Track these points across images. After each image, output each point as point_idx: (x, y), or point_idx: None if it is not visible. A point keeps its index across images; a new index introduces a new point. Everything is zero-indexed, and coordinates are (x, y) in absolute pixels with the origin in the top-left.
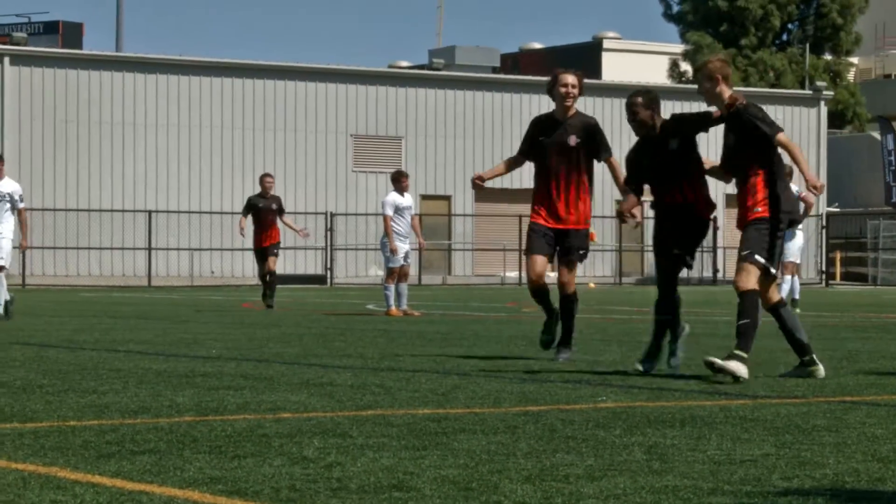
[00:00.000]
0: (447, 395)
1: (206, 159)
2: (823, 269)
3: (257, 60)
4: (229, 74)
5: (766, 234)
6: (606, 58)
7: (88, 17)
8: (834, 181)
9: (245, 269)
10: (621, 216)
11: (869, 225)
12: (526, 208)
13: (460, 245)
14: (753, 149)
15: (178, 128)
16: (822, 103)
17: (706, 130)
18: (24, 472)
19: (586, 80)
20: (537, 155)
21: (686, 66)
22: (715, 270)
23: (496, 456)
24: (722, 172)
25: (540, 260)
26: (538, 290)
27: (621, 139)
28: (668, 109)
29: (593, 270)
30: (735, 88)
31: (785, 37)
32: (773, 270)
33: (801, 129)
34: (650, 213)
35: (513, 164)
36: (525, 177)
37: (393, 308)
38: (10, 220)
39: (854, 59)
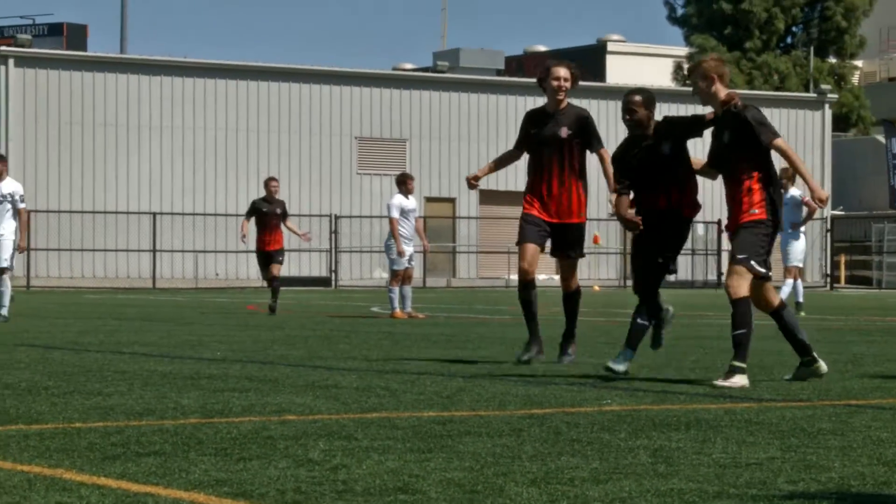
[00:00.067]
0: (452, 398)
1: (210, 161)
2: (828, 272)
3: (262, 62)
4: (234, 76)
5: (763, 237)
6: (611, 60)
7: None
8: (838, 184)
9: (250, 271)
10: (627, 224)
11: (873, 228)
12: None
13: (465, 247)
14: (751, 150)
15: (182, 130)
16: (827, 106)
17: (700, 135)
18: (29, 473)
19: (591, 83)
20: (530, 148)
21: None
22: (720, 274)
23: (501, 459)
24: (709, 170)
25: (531, 248)
26: (528, 284)
27: None
28: (673, 112)
29: (598, 273)
30: (739, 91)
31: (789, 40)
32: (769, 274)
33: (805, 133)
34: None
35: (509, 157)
36: None
37: (397, 310)
38: (11, 222)
39: (858, 63)
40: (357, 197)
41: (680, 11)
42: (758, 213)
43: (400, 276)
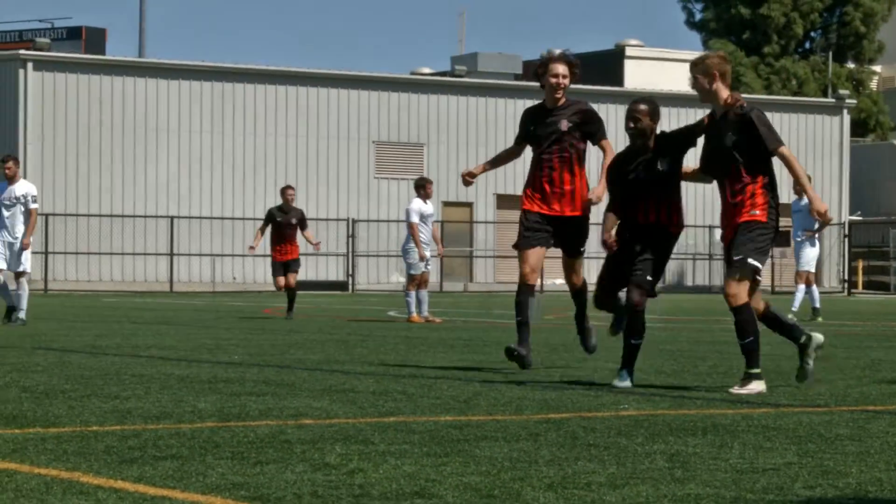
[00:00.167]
0: (469, 402)
1: (228, 165)
2: (846, 277)
3: (280, 66)
4: (252, 80)
5: (761, 237)
6: (629, 65)
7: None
8: (856, 190)
9: (267, 275)
10: (605, 244)
11: (891, 233)
12: None
13: (482, 252)
14: (755, 153)
15: (200, 133)
16: (845, 112)
17: (695, 144)
18: (46, 477)
19: (609, 88)
20: (531, 144)
21: None
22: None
23: (518, 463)
24: (702, 175)
25: (534, 253)
26: (528, 289)
27: None
28: (691, 117)
29: None
30: (757, 96)
31: (808, 45)
32: (759, 277)
33: (823, 138)
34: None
35: (508, 155)
36: None
37: (414, 315)
38: (28, 224)
39: (877, 68)
40: (374, 201)
41: (698, 16)
42: (759, 213)
43: (417, 281)
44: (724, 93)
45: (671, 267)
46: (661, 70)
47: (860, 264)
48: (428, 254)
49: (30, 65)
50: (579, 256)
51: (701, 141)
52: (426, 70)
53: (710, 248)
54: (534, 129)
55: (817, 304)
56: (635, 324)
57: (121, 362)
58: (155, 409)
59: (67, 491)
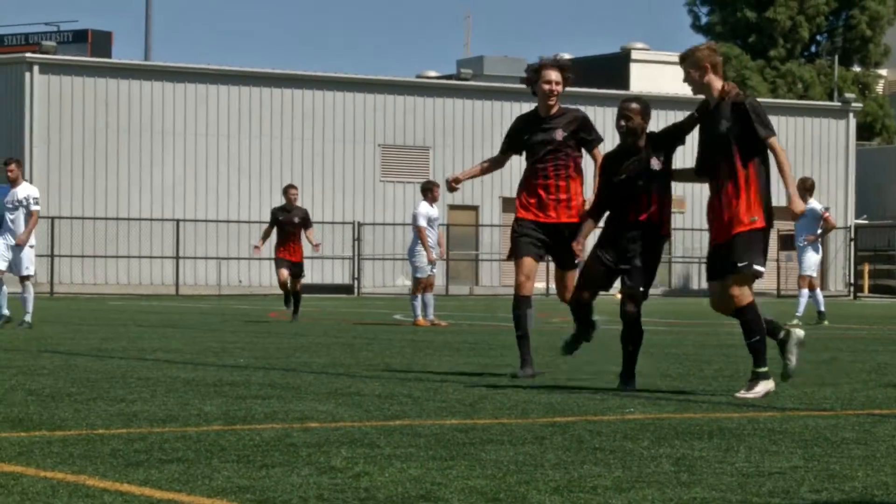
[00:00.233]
0: (475, 406)
1: (234, 168)
2: (852, 281)
3: (285, 70)
4: (257, 84)
5: (760, 242)
6: (635, 69)
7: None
8: (862, 193)
9: (273, 278)
10: (575, 248)
11: None
12: None
13: (487, 255)
14: (751, 140)
15: (206, 137)
16: (851, 115)
17: (683, 142)
18: (52, 480)
19: (614, 91)
20: (526, 153)
21: None
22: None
23: (524, 467)
24: (695, 175)
25: (529, 262)
26: (524, 300)
27: None
28: None
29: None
30: (762, 99)
31: (814, 48)
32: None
33: (829, 142)
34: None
35: (495, 163)
36: None
37: (420, 318)
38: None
39: (883, 71)
40: (380, 204)
41: (704, 20)
42: (757, 220)
43: (423, 284)
44: (718, 83)
45: (677, 270)
46: (666, 73)
47: (866, 268)
48: (435, 257)
49: (36, 68)
50: (573, 269)
51: (691, 142)
52: (432, 73)
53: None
54: (528, 137)
55: (822, 308)
56: (632, 333)
57: (127, 365)
58: (161, 413)
59: (73, 494)
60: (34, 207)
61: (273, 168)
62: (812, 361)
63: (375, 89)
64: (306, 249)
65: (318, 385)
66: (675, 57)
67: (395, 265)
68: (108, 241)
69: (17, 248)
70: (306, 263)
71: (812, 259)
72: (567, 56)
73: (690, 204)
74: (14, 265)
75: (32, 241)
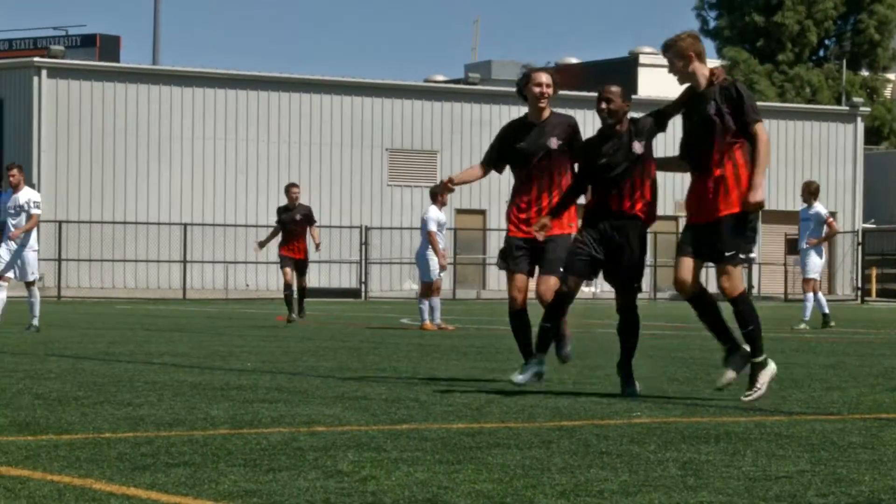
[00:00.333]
0: (481, 410)
1: (241, 172)
2: (859, 285)
3: (293, 74)
4: (265, 88)
5: (750, 231)
6: (642, 73)
7: (126, 30)
8: (870, 197)
9: (280, 282)
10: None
11: None
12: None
13: (495, 259)
14: (742, 125)
15: (213, 141)
16: (859, 119)
17: (664, 128)
18: (59, 483)
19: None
20: (515, 161)
21: None
22: (750, 287)
23: (531, 471)
24: (680, 162)
25: (523, 278)
26: (520, 313)
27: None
28: None
29: None
30: (770, 104)
31: (822, 52)
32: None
33: (837, 146)
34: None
35: (474, 177)
36: None
37: (427, 322)
38: (31, 231)
39: (891, 76)
40: (388, 208)
41: (712, 24)
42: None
43: (430, 288)
44: (705, 70)
45: None
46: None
47: (873, 272)
48: (445, 262)
49: (44, 72)
50: (555, 273)
51: (672, 129)
52: (440, 77)
53: None
54: (520, 144)
55: (826, 310)
56: (629, 324)
57: (134, 369)
58: (168, 416)
59: (80, 498)
60: (34, 211)
61: (281, 172)
62: (822, 365)
63: (383, 93)
64: (322, 252)
65: (324, 389)
66: None
67: (403, 269)
68: (115, 244)
69: (20, 251)
70: (314, 267)
71: (815, 262)
72: (575, 61)
73: None
74: (19, 271)
75: (35, 245)
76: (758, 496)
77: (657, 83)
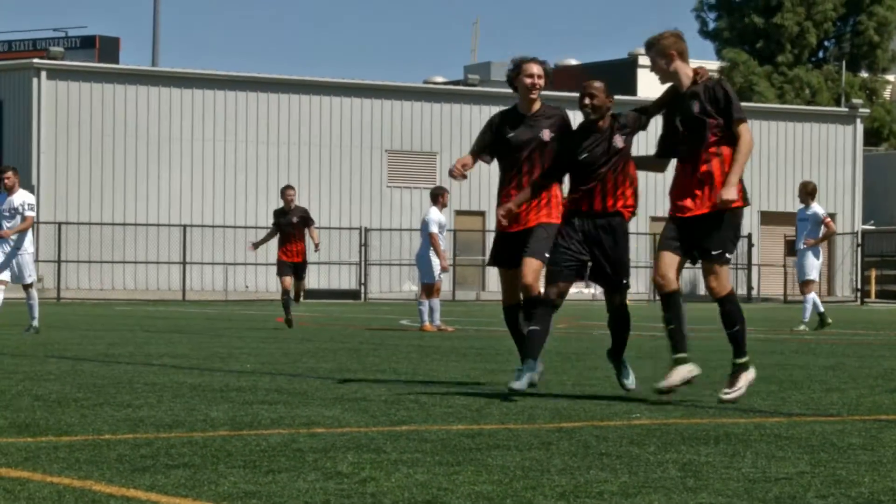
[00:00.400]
0: (481, 411)
1: (241, 174)
2: (858, 286)
3: (293, 76)
4: (265, 89)
5: (737, 227)
6: (642, 74)
7: (125, 31)
8: (870, 199)
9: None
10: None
11: None
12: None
13: None
14: (727, 123)
15: (213, 142)
16: (859, 121)
17: (645, 127)
18: (59, 485)
19: (622, 97)
20: (505, 153)
21: None
22: (749, 288)
23: (530, 472)
24: (657, 160)
25: (515, 273)
26: (515, 307)
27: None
28: None
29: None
30: (769, 105)
31: (821, 54)
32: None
33: (836, 147)
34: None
35: (472, 163)
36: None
37: (427, 323)
38: (27, 234)
39: (890, 77)
40: (387, 210)
41: (711, 25)
42: (736, 200)
43: (431, 289)
44: (688, 69)
45: (683, 277)
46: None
47: (873, 273)
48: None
49: (43, 73)
50: (536, 258)
51: (653, 128)
52: (439, 79)
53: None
54: (511, 136)
55: (821, 309)
56: (621, 320)
57: (133, 371)
58: (167, 418)
59: (80, 499)
60: (28, 213)
61: (280, 173)
62: (820, 367)
63: (383, 95)
64: (322, 253)
65: (324, 390)
66: None
67: (402, 271)
68: (115, 246)
69: (13, 253)
70: (313, 268)
71: (812, 263)
72: (574, 62)
73: None
74: (16, 275)
75: (30, 248)
76: (757, 498)
77: (657, 85)
